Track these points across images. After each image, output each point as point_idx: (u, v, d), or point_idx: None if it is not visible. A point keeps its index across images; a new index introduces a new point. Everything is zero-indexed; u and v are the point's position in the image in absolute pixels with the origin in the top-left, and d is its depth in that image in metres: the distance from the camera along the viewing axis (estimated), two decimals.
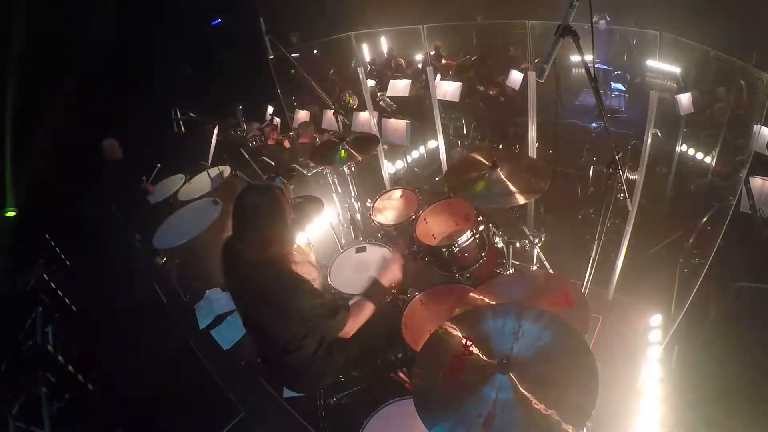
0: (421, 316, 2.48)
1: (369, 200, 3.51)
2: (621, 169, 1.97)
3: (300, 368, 2.12)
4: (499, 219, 2.90)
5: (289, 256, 2.00)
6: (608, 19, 6.53)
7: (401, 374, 2.39)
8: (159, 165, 4.67)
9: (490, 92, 6.25)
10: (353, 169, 3.52)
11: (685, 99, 4.71)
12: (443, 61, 7.44)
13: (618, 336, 2.82)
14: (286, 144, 5.36)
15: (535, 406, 1.29)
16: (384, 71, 7.46)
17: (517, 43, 7.16)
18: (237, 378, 2.98)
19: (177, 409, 3.00)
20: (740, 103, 4.61)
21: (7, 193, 4.50)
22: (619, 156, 1.96)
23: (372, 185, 4.21)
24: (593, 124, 5.71)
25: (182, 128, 5.36)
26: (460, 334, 1.58)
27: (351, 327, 2.08)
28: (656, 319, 2.82)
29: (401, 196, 3.39)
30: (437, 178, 4.78)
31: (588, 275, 2.45)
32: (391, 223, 3.17)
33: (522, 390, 1.34)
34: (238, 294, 2.08)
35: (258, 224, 1.88)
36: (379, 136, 4.32)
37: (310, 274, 2.21)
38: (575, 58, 6.54)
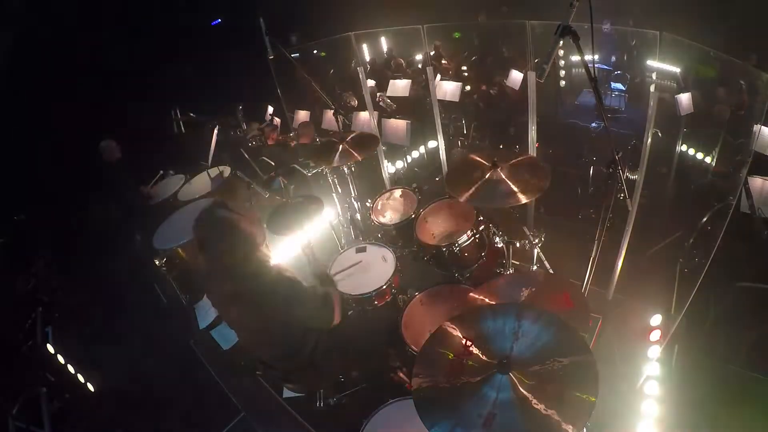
0: (421, 316, 2.48)
1: (369, 200, 3.51)
2: (621, 169, 1.97)
3: (300, 368, 2.12)
4: (499, 219, 2.90)
5: (269, 261, 1.98)
6: (608, 26, 6.55)
7: (401, 374, 2.39)
8: (161, 172, 4.67)
9: (491, 92, 6.24)
10: (353, 169, 3.52)
11: (685, 99, 4.71)
12: (443, 62, 7.44)
13: (618, 336, 2.82)
14: (292, 143, 5.35)
15: (535, 406, 1.29)
16: (384, 71, 7.46)
17: (517, 43, 7.16)
18: (237, 378, 2.98)
19: (177, 409, 3.00)
20: (740, 103, 4.61)
21: None
22: (619, 156, 1.96)
23: (372, 185, 4.21)
24: (593, 124, 5.71)
25: (182, 128, 5.36)
26: (460, 334, 1.58)
27: (338, 313, 2.06)
28: (656, 319, 2.82)
29: (401, 196, 3.39)
30: (437, 178, 4.78)
31: (588, 275, 2.45)
32: (391, 223, 3.17)
33: (522, 390, 1.34)
34: (234, 316, 2.05)
35: (220, 254, 1.84)
36: (379, 136, 4.31)
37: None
38: (576, 57, 6.56)
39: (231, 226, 1.81)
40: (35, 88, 5.01)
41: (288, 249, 3.36)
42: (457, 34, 8.08)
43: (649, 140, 2.61)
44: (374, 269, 2.82)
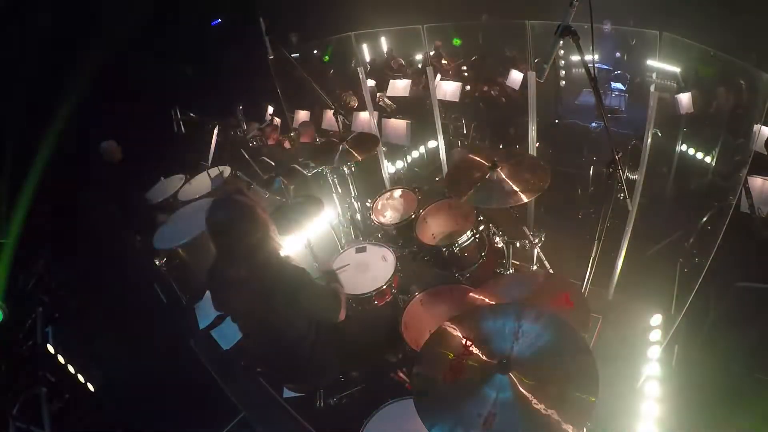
0: (421, 316, 2.48)
1: (369, 200, 3.51)
2: (621, 169, 1.96)
3: (300, 367, 2.12)
4: (499, 219, 2.90)
5: (279, 250, 2.01)
6: (609, 26, 6.57)
7: (401, 374, 2.39)
8: (162, 178, 4.68)
9: (492, 92, 6.23)
10: (353, 169, 3.52)
11: (685, 99, 4.71)
12: (443, 61, 7.44)
13: (618, 336, 2.82)
14: (287, 144, 5.37)
15: (535, 406, 1.29)
16: (384, 71, 7.46)
17: (516, 43, 7.17)
18: (237, 378, 2.98)
19: (177, 409, 3.00)
20: (740, 103, 4.61)
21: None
22: (619, 156, 1.96)
23: (372, 185, 4.21)
24: (593, 124, 5.71)
25: (182, 128, 5.36)
26: (460, 334, 1.58)
27: (343, 309, 2.10)
28: (656, 319, 2.82)
29: (401, 196, 3.39)
30: (437, 178, 4.78)
31: (588, 275, 2.45)
32: (391, 223, 3.17)
33: (522, 390, 1.34)
34: (240, 303, 2.04)
35: (239, 237, 1.86)
36: (379, 136, 4.31)
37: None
38: (575, 57, 6.57)
39: (250, 209, 1.87)
40: (35, 88, 5.01)
41: (290, 247, 3.36)
42: (457, 42, 8.09)
43: (649, 140, 2.61)
44: (374, 269, 2.82)
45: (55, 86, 5.25)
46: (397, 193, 3.43)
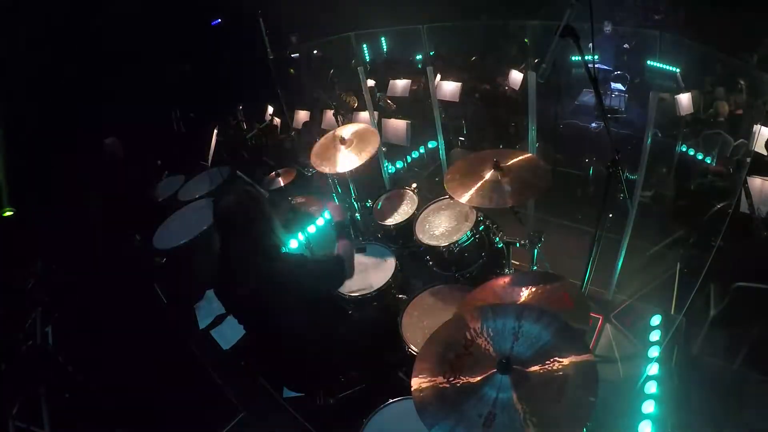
0: (421, 316, 2.48)
1: (369, 200, 3.51)
2: (621, 169, 1.96)
3: (301, 362, 2.12)
4: (499, 219, 2.90)
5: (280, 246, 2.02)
6: (609, 27, 6.58)
7: (401, 374, 2.39)
8: (159, 162, 4.67)
9: (506, 88, 6.21)
10: (353, 169, 3.51)
11: (685, 99, 4.71)
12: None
13: (618, 336, 2.82)
14: (286, 145, 5.37)
15: (535, 405, 1.29)
16: (384, 71, 7.46)
17: (517, 43, 7.16)
18: (237, 378, 2.98)
19: (177, 409, 3.00)
20: (740, 103, 4.62)
21: (2, 192, 4.47)
22: (619, 156, 1.96)
23: (372, 185, 4.21)
24: (593, 124, 5.72)
25: (182, 128, 5.37)
26: (460, 334, 1.58)
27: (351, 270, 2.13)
28: (656, 319, 2.82)
29: (401, 196, 3.39)
30: (437, 178, 4.78)
31: (588, 275, 2.45)
32: (391, 223, 3.17)
33: (522, 390, 1.34)
34: (244, 299, 2.04)
35: (244, 226, 1.88)
36: (379, 136, 4.31)
37: None
38: (576, 57, 6.56)
39: (256, 200, 1.93)
40: (35, 87, 5.01)
41: (290, 247, 3.36)
42: None
43: (649, 140, 2.61)
44: (374, 269, 2.82)
45: (54, 84, 5.25)
46: (397, 193, 3.43)
